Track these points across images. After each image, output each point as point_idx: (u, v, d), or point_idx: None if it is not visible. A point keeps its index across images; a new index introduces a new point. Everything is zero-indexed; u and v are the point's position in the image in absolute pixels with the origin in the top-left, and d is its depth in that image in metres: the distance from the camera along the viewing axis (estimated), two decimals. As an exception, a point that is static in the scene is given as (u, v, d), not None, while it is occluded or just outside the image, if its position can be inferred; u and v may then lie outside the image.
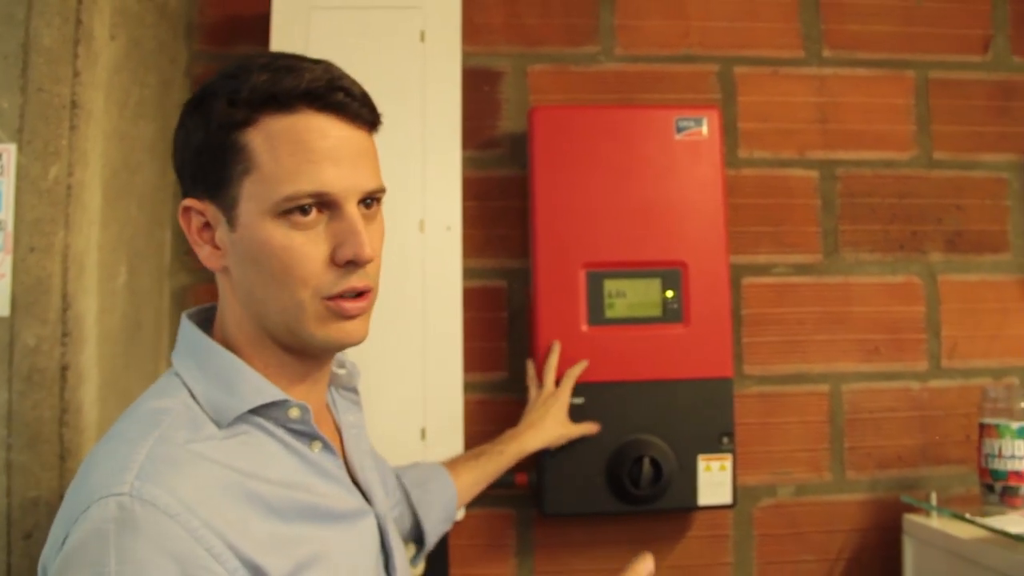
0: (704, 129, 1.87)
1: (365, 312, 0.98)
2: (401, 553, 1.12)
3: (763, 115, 2.08)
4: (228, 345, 0.99)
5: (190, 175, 0.97)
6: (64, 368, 1.39)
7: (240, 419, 0.94)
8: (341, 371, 1.14)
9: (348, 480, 1.04)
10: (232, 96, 0.92)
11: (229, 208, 0.94)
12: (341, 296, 0.94)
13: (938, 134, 2.13)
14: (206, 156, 0.94)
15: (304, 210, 0.92)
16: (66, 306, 1.40)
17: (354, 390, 1.17)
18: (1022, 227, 2.14)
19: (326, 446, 1.00)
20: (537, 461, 1.81)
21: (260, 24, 1.83)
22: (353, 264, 0.94)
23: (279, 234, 0.92)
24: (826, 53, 2.11)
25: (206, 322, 1.03)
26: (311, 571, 0.91)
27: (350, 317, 0.96)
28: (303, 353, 1.00)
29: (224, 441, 0.92)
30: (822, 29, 2.12)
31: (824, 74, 2.11)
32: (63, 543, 0.83)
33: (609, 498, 1.80)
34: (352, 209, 0.94)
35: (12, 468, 1.35)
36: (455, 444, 1.74)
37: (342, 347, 1.00)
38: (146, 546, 0.80)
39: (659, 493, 1.79)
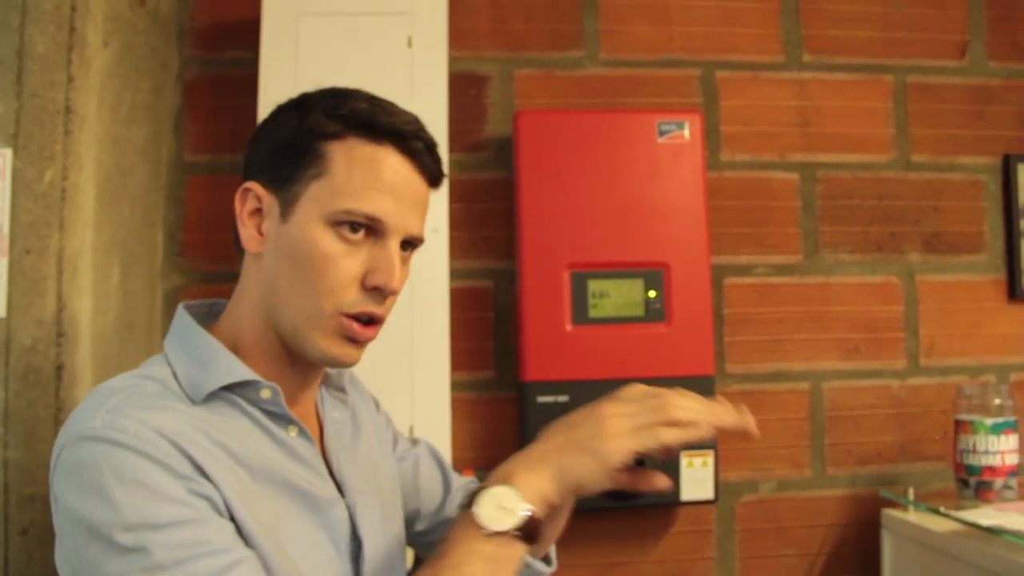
0: (686, 132, 1.91)
1: (369, 341, 1.05)
2: (380, 546, 1.14)
3: (745, 119, 2.13)
4: (235, 331, 1.06)
5: (261, 163, 1.04)
6: (59, 368, 1.42)
7: (215, 396, 1.00)
8: (332, 371, 1.19)
9: (323, 469, 1.08)
10: (331, 111, 1.01)
11: (288, 202, 1.01)
12: (358, 317, 1.01)
13: (916, 137, 2.18)
14: (286, 151, 1.02)
15: (355, 227, 0.99)
16: (61, 307, 1.43)
17: (343, 389, 1.21)
18: (998, 228, 2.19)
19: (302, 432, 1.05)
20: (523, 458, 1.85)
21: (250, 29, 1.86)
22: (379, 291, 1.01)
23: (326, 239, 0.99)
24: (806, 58, 2.16)
25: (204, 315, 1.10)
26: (270, 530, 0.96)
27: (354, 341, 1.02)
28: (298, 357, 1.06)
29: (196, 408, 0.98)
30: (802, 34, 2.16)
31: (804, 78, 2.15)
32: (53, 484, 0.92)
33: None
34: (394, 244, 1.01)
35: (8, 465, 1.37)
36: (443, 442, 1.77)
37: (335, 365, 1.06)
38: (130, 455, 0.88)
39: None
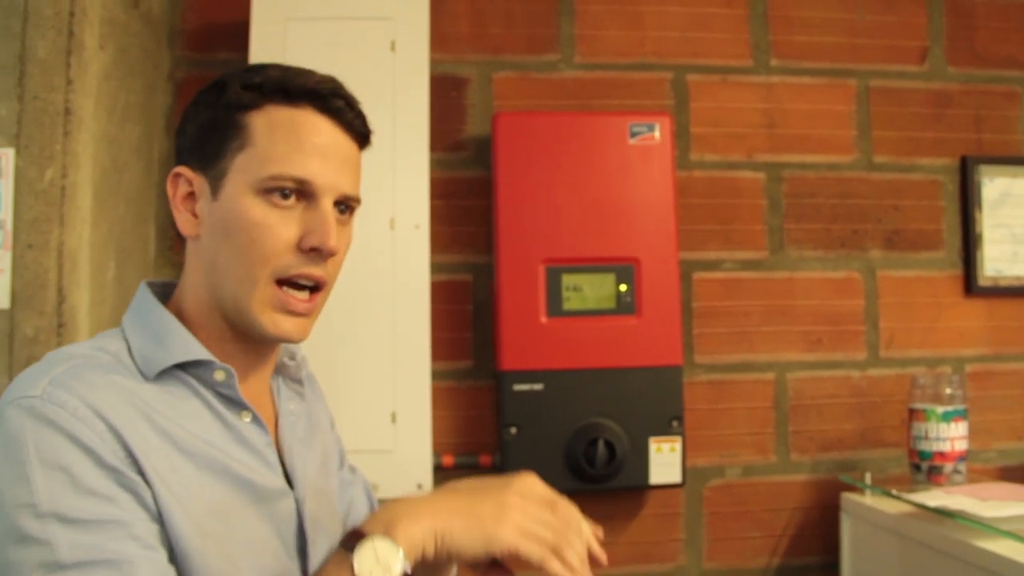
0: (656, 134, 2.00)
1: (310, 314, 1.03)
2: (325, 541, 1.10)
3: (714, 120, 2.22)
4: (181, 314, 1.03)
5: (189, 146, 1.03)
6: (59, 357, 1.49)
7: (168, 374, 0.98)
8: (291, 362, 1.16)
9: (274, 459, 1.05)
10: (246, 82, 1.00)
11: (217, 179, 0.99)
12: (294, 283, 1.00)
13: (878, 139, 2.28)
14: (208, 130, 1.01)
15: (284, 193, 0.98)
16: (61, 299, 1.51)
17: (300, 382, 1.19)
18: (956, 227, 2.29)
19: (256, 419, 1.03)
20: (500, 443, 1.94)
21: (240, 32, 1.93)
22: (316, 252, 0.99)
23: (257, 209, 0.97)
24: (773, 62, 2.25)
25: (164, 294, 1.07)
26: (208, 523, 0.94)
27: (293, 313, 1.00)
28: (246, 336, 1.03)
29: (146, 384, 0.96)
30: (770, 40, 2.25)
31: (771, 82, 2.25)
32: None
33: (567, 477, 1.94)
34: (327, 203, 0.99)
35: (12, 448, 1.45)
36: (423, 427, 1.86)
37: (278, 340, 1.04)
38: (59, 438, 0.86)
39: (613, 472, 1.92)
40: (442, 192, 2.09)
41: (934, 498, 1.76)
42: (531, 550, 0.90)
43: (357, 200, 1.04)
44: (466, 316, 2.11)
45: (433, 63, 2.00)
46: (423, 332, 1.88)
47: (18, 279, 1.48)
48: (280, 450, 1.07)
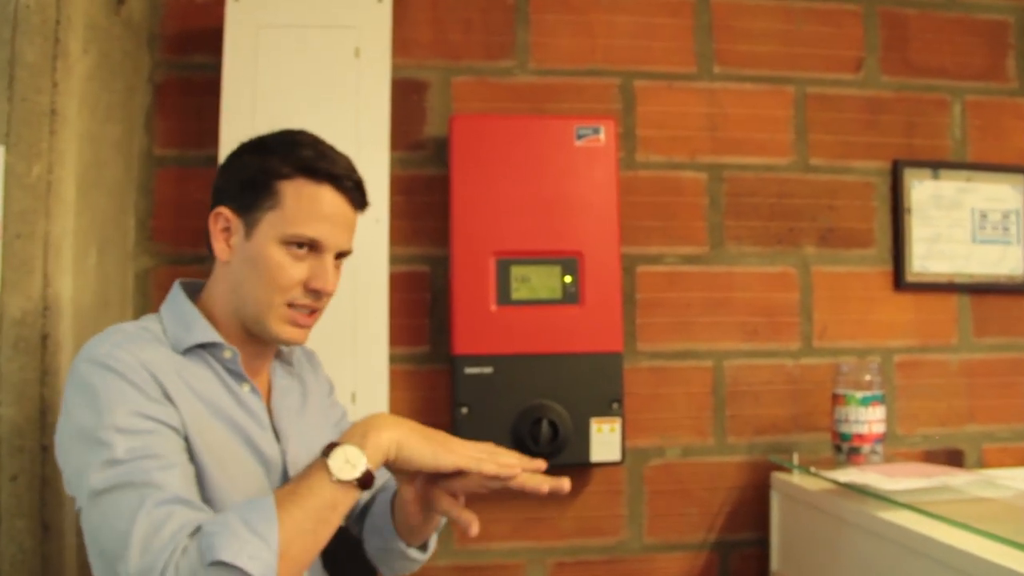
0: (601, 136, 2.15)
1: (309, 326, 1.37)
2: None
3: (659, 123, 2.36)
4: (206, 310, 1.36)
5: (231, 193, 1.34)
6: (44, 337, 1.63)
7: (191, 351, 1.31)
8: (285, 349, 1.49)
9: (267, 421, 1.38)
10: (284, 156, 1.31)
11: (250, 225, 1.31)
12: (301, 307, 1.33)
13: (814, 142, 2.43)
14: (249, 187, 1.32)
15: (300, 246, 1.31)
16: (46, 284, 1.63)
17: (291, 363, 1.51)
18: (886, 226, 2.44)
19: (253, 389, 1.36)
20: (452, 421, 2.09)
21: (215, 37, 2.05)
22: (317, 293, 1.33)
23: (279, 255, 1.30)
24: (716, 69, 2.39)
25: (191, 290, 1.40)
26: (216, 452, 1.25)
27: (298, 325, 1.34)
28: (256, 337, 1.36)
29: (176, 356, 1.30)
30: (714, 48, 2.40)
31: (714, 88, 2.39)
32: (65, 389, 1.23)
33: (513, 454, 2.08)
34: (330, 257, 1.34)
35: (1, 421, 1.58)
36: (380, 407, 2.00)
37: (286, 343, 1.38)
38: (118, 381, 1.19)
39: (557, 450, 2.07)
40: (403, 189, 2.22)
41: (846, 475, 1.91)
42: (469, 461, 1.22)
43: (350, 252, 1.38)
44: (424, 304, 2.24)
45: (395, 68, 2.12)
46: (382, 319, 2.01)
47: (7, 266, 1.60)
48: (272, 416, 1.39)
